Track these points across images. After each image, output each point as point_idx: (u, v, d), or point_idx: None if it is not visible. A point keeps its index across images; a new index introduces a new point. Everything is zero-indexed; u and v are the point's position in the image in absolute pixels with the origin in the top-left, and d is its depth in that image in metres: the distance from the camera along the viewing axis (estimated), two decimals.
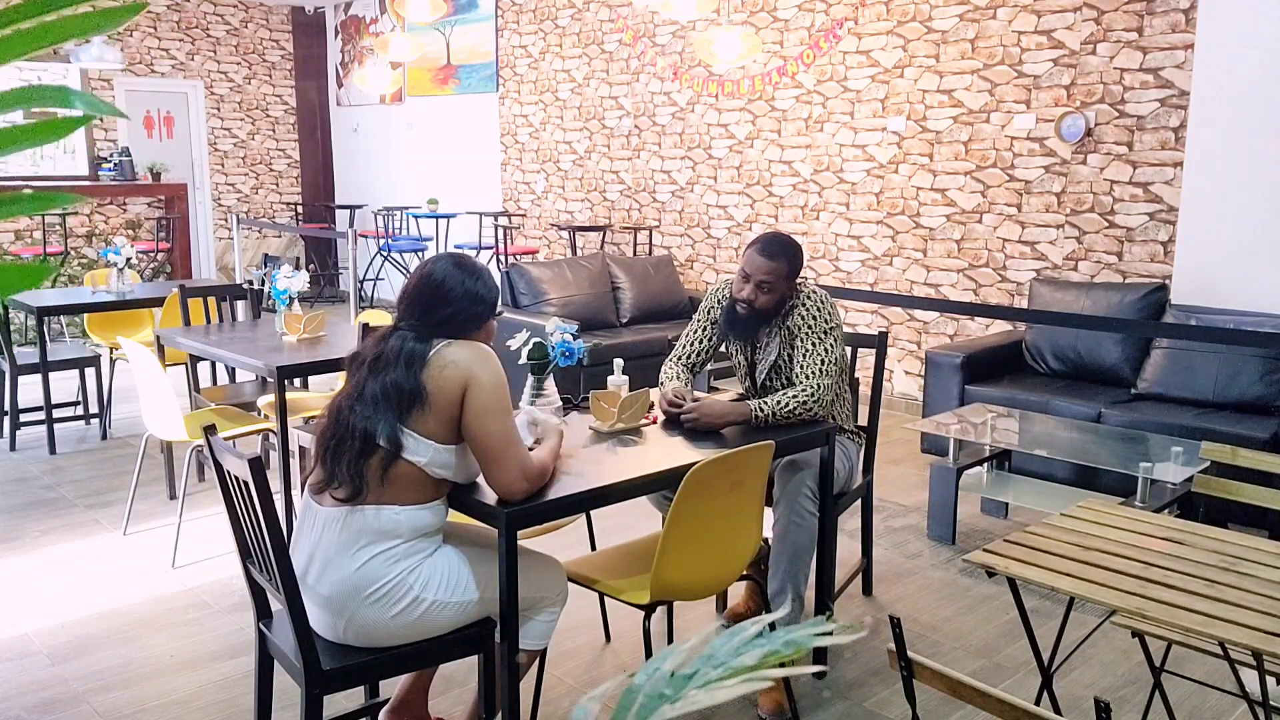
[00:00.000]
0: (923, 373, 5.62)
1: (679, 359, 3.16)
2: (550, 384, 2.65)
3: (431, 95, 9.56)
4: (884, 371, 3.49)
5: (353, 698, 2.70)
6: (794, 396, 2.85)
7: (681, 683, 0.71)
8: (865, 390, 3.61)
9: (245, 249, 10.38)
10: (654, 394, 2.99)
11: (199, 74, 10.15)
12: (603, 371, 3.05)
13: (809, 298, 3.00)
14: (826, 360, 2.91)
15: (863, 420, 3.44)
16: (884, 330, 3.95)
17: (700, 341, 3.16)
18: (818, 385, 2.87)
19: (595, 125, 8.10)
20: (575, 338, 2.73)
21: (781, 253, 2.95)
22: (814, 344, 2.94)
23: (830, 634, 0.75)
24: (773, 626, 0.78)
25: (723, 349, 3.19)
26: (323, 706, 2.11)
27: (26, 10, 0.81)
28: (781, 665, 0.74)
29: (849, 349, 3.39)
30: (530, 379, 2.62)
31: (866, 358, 3.74)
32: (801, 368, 2.93)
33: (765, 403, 2.84)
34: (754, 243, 2.99)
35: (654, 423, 2.88)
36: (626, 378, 2.86)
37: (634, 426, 2.77)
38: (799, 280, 3.04)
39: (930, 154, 5.96)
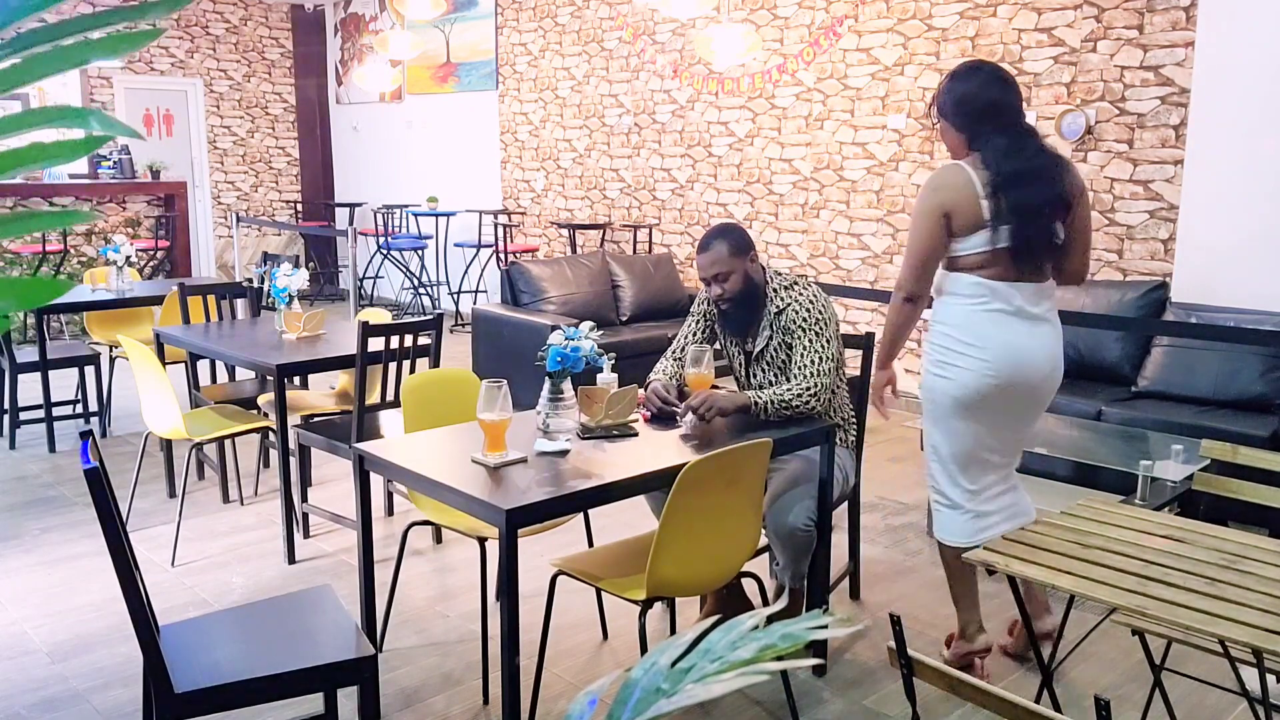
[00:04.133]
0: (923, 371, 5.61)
1: (671, 355, 3.17)
2: (568, 386, 2.64)
3: (431, 93, 9.56)
4: (871, 374, 3.44)
5: None
6: (790, 389, 2.85)
7: (678, 677, 0.71)
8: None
9: (245, 247, 10.38)
10: (644, 392, 2.98)
11: (198, 72, 10.15)
12: (625, 369, 3.05)
13: (802, 292, 3.00)
14: (824, 355, 2.91)
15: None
16: (870, 332, 3.91)
17: (696, 336, 3.17)
18: (816, 383, 2.87)
19: (595, 123, 8.09)
20: (601, 348, 2.70)
21: (714, 239, 2.98)
22: (811, 340, 2.93)
23: (826, 627, 0.75)
24: (770, 620, 0.78)
25: (716, 347, 3.20)
26: None
27: (46, 35, 0.81)
28: (779, 659, 0.74)
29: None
30: (548, 382, 2.62)
31: (855, 358, 3.72)
32: (799, 364, 2.92)
33: (762, 394, 2.85)
34: (696, 248, 3.06)
35: (646, 420, 2.88)
36: (615, 375, 2.86)
37: (622, 422, 2.77)
38: (768, 268, 3.07)
39: (930, 152, 5.96)
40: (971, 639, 2.97)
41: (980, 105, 2.73)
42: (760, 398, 2.83)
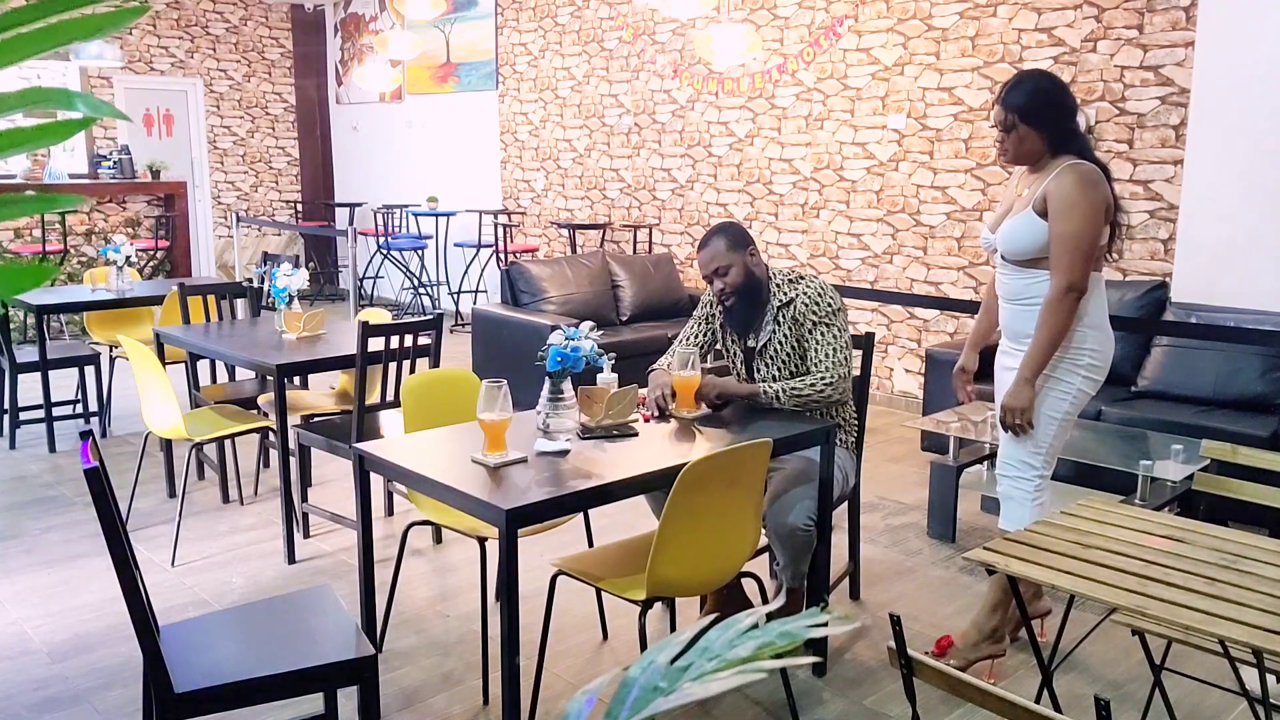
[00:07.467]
0: (923, 371, 5.61)
1: (672, 352, 3.17)
2: (568, 386, 2.64)
3: (431, 93, 9.56)
4: (870, 373, 3.45)
5: None
6: (808, 382, 2.90)
7: (676, 675, 0.71)
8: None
9: (245, 247, 10.38)
10: (643, 393, 2.99)
11: (198, 72, 10.15)
12: (625, 369, 3.06)
13: (810, 285, 3.02)
14: (838, 345, 2.96)
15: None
16: (871, 331, 3.91)
17: (695, 338, 3.19)
18: (836, 374, 2.92)
19: (595, 123, 8.09)
20: (600, 347, 2.70)
21: (713, 235, 3.05)
22: (822, 331, 2.97)
23: (825, 625, 0.75)
24: (768, 619, 0.78)
25: (718, 347, 3.21)
26: None
27: (30, 13, 0.81)
28: (777, 657, 0.74)
29: None
30: (548, 382, 2.62)
31: (854, 359, 3.72)
32: (817, 357, 2.96)
33: (772, 385, 2.90)
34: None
35: (647, 420, 2.89)
36: (615, 375, 2.86)
37: (622, 422, 2.77)
38: (764, 262, 3.10)
39: (930, 152, 5.96)
40: (1000, 639, 2.97)
41: (1070, 108, 2.84)
42: (770, 388, 2.90)
